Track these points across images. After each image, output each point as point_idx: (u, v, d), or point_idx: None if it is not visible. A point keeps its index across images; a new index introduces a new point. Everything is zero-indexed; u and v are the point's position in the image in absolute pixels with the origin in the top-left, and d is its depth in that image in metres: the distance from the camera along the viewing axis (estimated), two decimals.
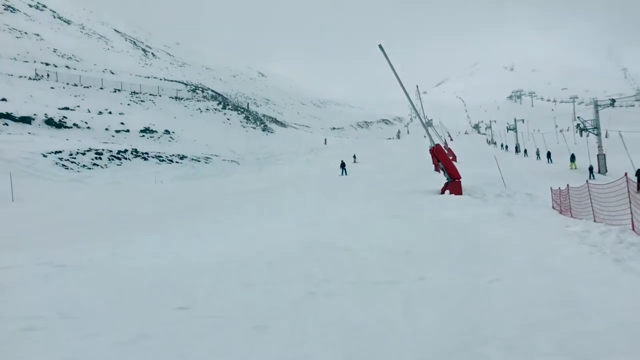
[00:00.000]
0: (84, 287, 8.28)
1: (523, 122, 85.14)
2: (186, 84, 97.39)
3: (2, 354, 5.26)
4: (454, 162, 30.65)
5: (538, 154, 54.51)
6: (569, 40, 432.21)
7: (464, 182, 24.10)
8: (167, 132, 61.27)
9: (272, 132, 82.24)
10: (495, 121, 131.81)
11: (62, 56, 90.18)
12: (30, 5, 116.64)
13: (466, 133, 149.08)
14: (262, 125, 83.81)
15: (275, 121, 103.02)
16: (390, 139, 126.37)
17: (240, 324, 6.05)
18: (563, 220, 15.59)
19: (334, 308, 6.49)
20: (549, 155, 49.62)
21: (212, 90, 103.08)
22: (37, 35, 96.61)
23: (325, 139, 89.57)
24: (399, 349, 5.01)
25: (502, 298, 6.68)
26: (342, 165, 44.22)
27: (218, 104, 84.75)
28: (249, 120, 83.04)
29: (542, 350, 4.98)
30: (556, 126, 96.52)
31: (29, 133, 48.50)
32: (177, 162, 51.32)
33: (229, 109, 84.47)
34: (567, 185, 17.95)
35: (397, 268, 8.48)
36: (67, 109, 58.41)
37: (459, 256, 9.41)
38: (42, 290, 8.10)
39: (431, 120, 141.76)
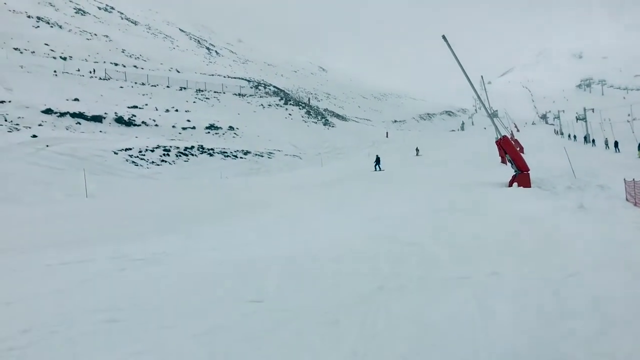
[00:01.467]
0: (159, 279, 8.56)
1: (593, 111, 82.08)
2: (249, 81, 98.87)
3: (88, 345, 5.51)
4: (521, 153, 29.86)
5: (607, 144, 53.15)
6: None
7: (532, 174, 23.45)
8: (231, 128, 62.36)
9: (333, 127, 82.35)
10: (563, 111, 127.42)
11: (130, 56, 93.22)
12: (99, 8, 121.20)
13: (533, 124, 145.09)
14: (324, 120, 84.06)
15: (336, 115, 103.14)
16: (453, 130, 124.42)
17: (311, 318, 6.11)
18: (639, 213, 14.95)
19: (405, 303, 6.45)
20: (616, 144, 48.42)
21: (274, 86, 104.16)
22: (106, 36, 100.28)
23: (387, 132, 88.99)
24: (473, 345, 4.94)
25: (578, 293, 6.46)
26: (377, 160, 42.31)
27: (280, 100, 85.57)
28: (310, 115, 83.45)
29: (624, 349, 4.80)
30: (629, 115, 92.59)
31: (100, 131, 50.39)
32: (241, 157, 52.13)
33: (290, 104, 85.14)
34: None
35: (468, 262, 8.34)
36: (135, 107, 60.36)
37: (531, 250, 9.16)
38: (120, 283, 8.43)
39: (496, 111, 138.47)
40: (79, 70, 69.97)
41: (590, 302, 6.15)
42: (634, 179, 18.37)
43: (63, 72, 66.99)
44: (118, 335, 5.75)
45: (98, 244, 12.99)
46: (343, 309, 6.37)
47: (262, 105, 79.72)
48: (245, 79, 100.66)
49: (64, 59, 75.96)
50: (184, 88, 75.96)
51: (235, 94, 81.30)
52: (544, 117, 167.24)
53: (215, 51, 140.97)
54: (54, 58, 74.89)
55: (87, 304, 6.96)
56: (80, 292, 7.85)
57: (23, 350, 5.37)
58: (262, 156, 54.19)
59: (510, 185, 22.77)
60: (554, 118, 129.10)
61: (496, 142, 26.33)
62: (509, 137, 38.48)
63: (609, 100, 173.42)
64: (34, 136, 40.81)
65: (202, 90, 77.41)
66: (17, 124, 44.12)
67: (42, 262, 10.29)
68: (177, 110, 64.00)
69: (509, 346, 4.87)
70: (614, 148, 48.60)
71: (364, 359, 4.81)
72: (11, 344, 5.55)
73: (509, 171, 25.41)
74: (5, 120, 44.57)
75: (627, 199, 18.79)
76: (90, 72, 70.19)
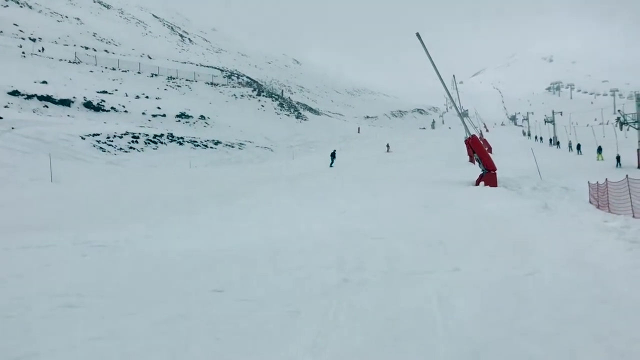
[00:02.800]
0: (121, 267, 8.46)
1: (561, 114, 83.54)
2: (222, 70, 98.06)
3: (43, 329, 5.41)
4: (489, 153, 30.24)
5: (570, 146, 55.12)
6: (610, 32, 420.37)
7: (499, 173, 23.77)
8: (202, 117, 61.77)
9: (305, 120, 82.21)
10: (532, 113, 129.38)
11: (102, 40, 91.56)
12: None
13: (502, 124, 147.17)
14: (296, 113, 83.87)
15: (309, 109, 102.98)
16: (423, 128, 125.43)
17: (273, 309, 6.10)
18: (601, 215, 15.25)
19: (367, 296, 6.48)
20: (578, 147, 50.99)
21: (247, 77, 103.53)
22: (78, 19, 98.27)
23: (359, 128, 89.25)
24: (433, 340, 4.98)
25: (538, 292, 6.58)
26: (333, 154, 41.64)
27: (253, 91, 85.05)
28: (283, 107, 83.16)
29: (580, 346, 4.89)
30: (595, 119, 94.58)
31: (68, 115, 49.47)
32: (211, 147, 51.73)
33: (263, 95, 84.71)
34: (606, 179, 17.55)
35: (431, 258, 8.41)
36: (105, 92, 59.38)
37: (494, 248, 9.28)
38: (81, 269, 8.31)
39: (467, 110, 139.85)
40: (41, 49, 68.40)
41: (549, 301, 6.26)
42: (597, 182, 18.75)
43: (32, 54, 65.50)
44: (75, 321, 5.65)
45: (60, 230, 12.79)
46: (306, 301, 6.37)
47: (234, 95, 79.15)
48: (218, 68, 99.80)
49: (33, 40, 74.23)
50: (156, 75, 74.97)
51: (208, 83, 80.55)
52: (513, 118, 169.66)
53: (189, 39, 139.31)
54: (23, 39, 73.11)
55: (45, 289, 6.83)
56: (39, 277, 7.71)
57: None
58: (232, 147, 53.86)
59: (477, 184, 23.04)
60: (522, 120, 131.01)
61: (465, 141, 26.59)
62: (478, 136, 38.93)
63: (577, 104, 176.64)
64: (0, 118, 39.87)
65: (173, 78, 76.50)
66: None
67: (2, 246, 10.08)
68: (147, 97, 63.16)
69: (468, 342, 4.92)
70: (576, 150, 50.51)
71: (323, 350, 4.81)
72: None
73: (476, 170, 25.71)
74: None
75: (590, 201, 19.16)
76: (40, 50, 67.88)
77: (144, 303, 6.34)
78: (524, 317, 5.64)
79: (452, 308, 5.88)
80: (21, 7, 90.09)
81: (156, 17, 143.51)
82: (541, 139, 74.36)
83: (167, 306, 6.20)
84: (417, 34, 26.53)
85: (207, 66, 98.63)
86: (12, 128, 38.50)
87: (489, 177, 23.33)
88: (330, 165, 39.89)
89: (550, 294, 6.52)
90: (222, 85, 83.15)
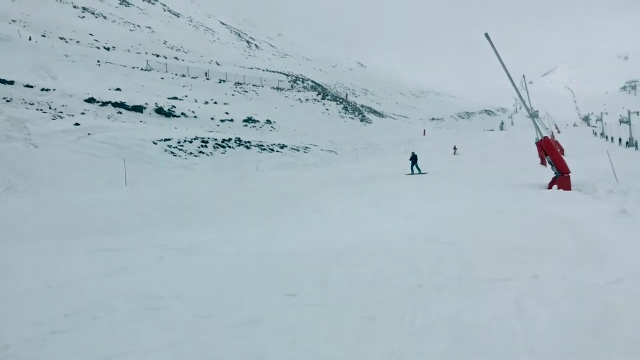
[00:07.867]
0: (197, 270, 8.66)
1: (638, 114, 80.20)
2: (287, 75, 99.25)
3: (128, 331, 5.59)
4: (562, 155, 29.20)
5: (636, 145, 54.56)
6: None
7: (572, 176, 22.92)
8: (268, 121, 62.69)
9: (370, 123, 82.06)
10: (606, 113, 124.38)
11: (172, 48, 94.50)
12: (143, 0, 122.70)
13: (574, 125, 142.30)
14: (360, 116, 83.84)
15: (374, 112, 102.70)
16: (491, 130, 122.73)
17: (347, 314, 6.07)
18: None
19: (443, 303, 6.35)
20: None
21: (312, 81, 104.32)
22: (149, 28, 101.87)
23: (424, 130, 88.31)
24: (513, 349, 4.82)
25: (623, 301, 6.26)
26: (414, 159, 35.90)
27: (317, 95, 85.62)
28: (348, 110, 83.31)
29: None
30: None
31: (141, 121, 51.29)
32: (277, 151, 52.42)
33: (328, 99, 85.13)
34: None
35: (507, 265, 8.17)
36: (175, 98, 61.20)
37: (572, 255, 8.92)
38: (159, 271, 8.56)
39: (537, 111, 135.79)
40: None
41: (638, 310, 5.97)
42: None
43: (106, 62, 68.25)
44: (157, 323, 5.82)
45: (136, 232, 13.22)
46: (380, 306, 6.30)
47: (299, 99, 79.93)
48: (284, 73, 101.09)
49: (107, 49, 77.31)
50: (223, 81, 76.68)
51: (274, 88, 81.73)
52: (586, 119, 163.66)
53: (255, 45, 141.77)
54: (98, 48, 76.30)
55: (127, 291, 7.07)
56: (119, 280, 7.99)
57: (65, 335, 5.47)
58: (298, 150, 54.36)
59: (550, 187, 22.28)
60: (596, 120, 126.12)
61: (536, 143, 25.79)
62: (550, 138, 37.68)
63: None
64: (77, 124, 41.73)
65: (240, 84, 78.00)
66: (61, 112, 45.19)
67: (83, 248, 10.50)
68: (215, 103, 64.67)
69: (552, 352, 4.73)
70: None
71: (402, 358, 4.75)
72: (54, 327, 5.67)
73: (548, 173, 24.90)
74: (50, 108, 45.68)
75: None
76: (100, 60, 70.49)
77: (220, 306, 6.45)
78: (610, 326, 5.37)
79: (534, 317, 5.67)
80: (96, 17, 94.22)
81: (224, 24, 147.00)
82: (612, 139, 71.74)
83: (243, 309, 6.28)
84: (486, 35, 25.93)
85: (273, 71, 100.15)
86: (89, 134, 40.21)
87: (562, 180, 22.51)
88: (412, 172, 35.71)
89: (638, 303, 6.22)
90: (288, 89, 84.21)
